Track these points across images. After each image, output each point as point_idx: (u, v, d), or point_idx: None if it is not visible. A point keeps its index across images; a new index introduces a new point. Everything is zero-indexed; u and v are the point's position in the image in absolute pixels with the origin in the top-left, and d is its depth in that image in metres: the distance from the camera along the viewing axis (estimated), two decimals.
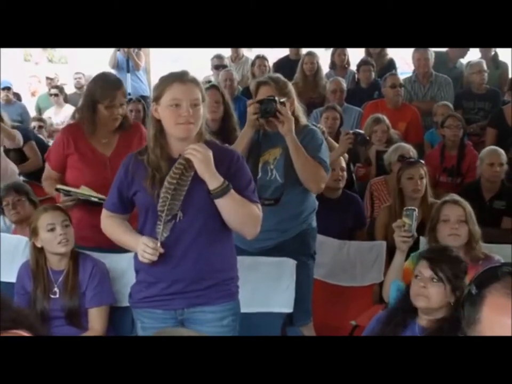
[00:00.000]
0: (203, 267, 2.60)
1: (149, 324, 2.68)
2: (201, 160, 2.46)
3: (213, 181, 2.49)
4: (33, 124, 6.76)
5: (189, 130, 2.53)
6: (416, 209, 3.14)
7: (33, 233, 3.17)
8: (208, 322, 2.61)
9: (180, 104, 2.51)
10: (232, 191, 2.52)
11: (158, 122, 2.57)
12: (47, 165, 3.68)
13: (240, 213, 2.58)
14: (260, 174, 3.34)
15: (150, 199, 2.56)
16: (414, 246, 3.32)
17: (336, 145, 4.54)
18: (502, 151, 4.73)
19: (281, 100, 3.26)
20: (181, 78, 2.55)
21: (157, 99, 2.57)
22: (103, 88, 3.44)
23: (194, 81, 2.58)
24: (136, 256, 2.68)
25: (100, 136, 3.49)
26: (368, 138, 4.45)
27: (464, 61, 7.09)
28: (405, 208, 3.19)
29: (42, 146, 5.73)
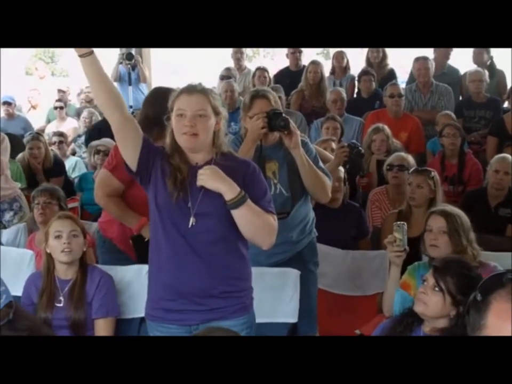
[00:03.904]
0: (216, 275, 2.59)
1: None
2: (210, 179, 2.48)
3: (229, 192, 2.50)
4: (54, 139, 6.72)
5: (192, 141, 2.54)
6: (405, 224, 3.16)
7: (45, 238, 3.26)
8: None
9: (184, 114, 2.54)
10: (248, 201, 2.52)
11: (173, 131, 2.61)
12: (112, 179, 3.37)
13: (255, 223, 2.57)
14: None
15: (168, 200, 2.56)
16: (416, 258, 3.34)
17: (329, 155, 4.53)
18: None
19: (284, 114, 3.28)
20: (188, 89, 2.59)
21: (171, 109, 2.61)
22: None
23: (203, 92, 2.59)
24: (150, 265, 2.69)
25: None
26: (363, 152, 4.43)
27: (455, 65, 7.13)
28: (394, 223, 3.20)
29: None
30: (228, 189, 2.50)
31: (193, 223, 2.54)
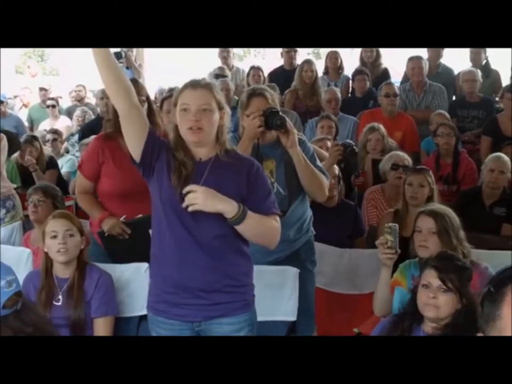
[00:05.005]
0: (219, 269, 2.59)
1: (165, 335, 2.66)
2: (207, 202, 2.46)
3: (228, 211, 2.49)
4: (48, 136, 6.69)
5: (198, 135, 2.55)
6: (397, 225, 3.15)
7: (42, 237, 3.25)
8: (225, 334, 2.61)
9: (188, 108, 2.55)
10: (249, 213, 2.52)
11: (177, 126, 2.61)
12: (80, 177, 3.68)
13: (258, 231, 2.61)
14: None
15: (173, 194, 2.56)
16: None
17: (325, 154, 4.54)
18: (506, 159, 4.76)
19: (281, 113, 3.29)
20: (193, 84, 2.60)
21: (174, 105, 2.62)
22: None
23: (207, 87, 2.60)
24: (153, 259, 2.69)
25: None
26: (357, 150, 4.43)
27: (452, 65, 7.17)
28: (386, 225, 3.19)
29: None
30: (228, 208, 2.49)
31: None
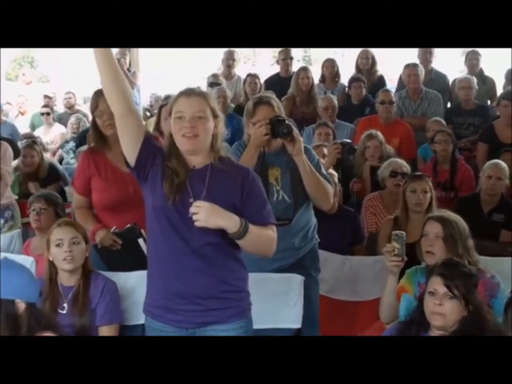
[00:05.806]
0: (215, 275, 2.59)
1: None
2: (209, 219, 2.45)
3: (230, 227, 2.49)
4: None
5: (192, 143, 2.56)
6: (404, 233, 3.15)
7: (47, 246, 3.24)
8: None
9: (183, 116, 2.56)
10: (250, 227, 2.52)
11: (171, 135, 2.62)
12: (74, 193, 3.76)
13: (258, 244, 2.62)
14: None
15: (165, 202, 2.56)
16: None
17: (321, 160, 4.57)
18: (504, 165, 4.80)
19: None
20: (187, 92, 2.61)
21: (169, 113, 2.63)
22: (91, 100, 3.67)
23: (201, 95, 2.62)
24: (150, 265, 2.69)
25: (116, 150, 3.40)
26: (355, 147, 4.49)
27: (442, 70, 7.21)
28: (393, 233, 3.19)
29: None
30: (230, 224, 2.49)
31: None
